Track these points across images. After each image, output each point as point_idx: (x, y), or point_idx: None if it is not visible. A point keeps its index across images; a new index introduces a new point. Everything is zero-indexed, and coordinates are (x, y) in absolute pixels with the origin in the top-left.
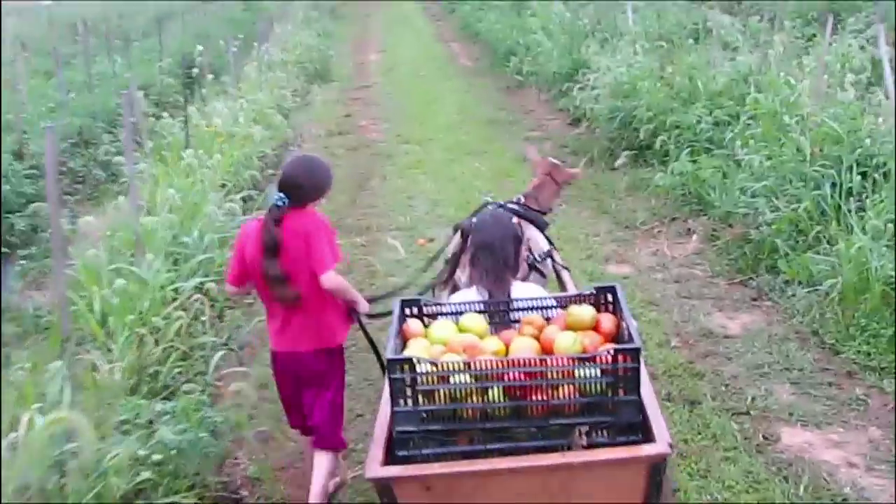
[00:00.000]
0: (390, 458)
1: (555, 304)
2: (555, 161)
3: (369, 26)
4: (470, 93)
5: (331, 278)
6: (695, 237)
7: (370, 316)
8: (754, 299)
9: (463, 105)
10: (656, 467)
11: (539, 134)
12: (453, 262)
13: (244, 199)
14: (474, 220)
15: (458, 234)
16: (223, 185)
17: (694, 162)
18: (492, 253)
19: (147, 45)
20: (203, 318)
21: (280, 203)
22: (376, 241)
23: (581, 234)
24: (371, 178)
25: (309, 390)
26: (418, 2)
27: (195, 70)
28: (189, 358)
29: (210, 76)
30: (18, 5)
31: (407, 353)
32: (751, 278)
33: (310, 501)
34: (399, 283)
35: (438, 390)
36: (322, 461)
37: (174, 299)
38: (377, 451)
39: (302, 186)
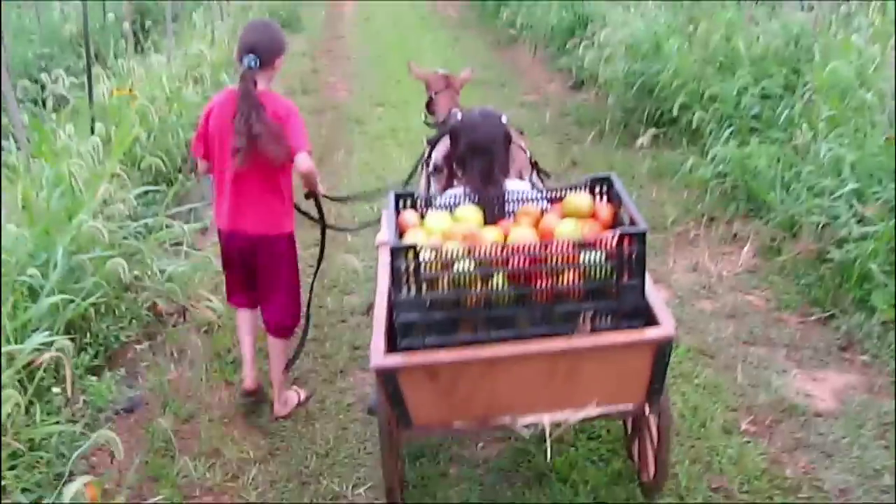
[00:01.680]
0: (392, 349)
1: (548, 198)
2: (444, 72)
3: None
4: (454, 48)
5: (306, 160)
6: (746, 248)
7: (331, 198)
8: (843, 349)
9: (446, 62)
10: (662, 350)
11: (535, 98)
12: (448, 164)
13: (147, 197)
14: (461, 118)
15: (446, 135)
16: (115, 177)
17: (741, 146)
18: (484, 153)
19: None
20: (56, 392)
21: (252, 64)
22: (335, 237)
23: None
24: (335, 150)
25: (262, 278)
26: None
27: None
28: (26, 462)
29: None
30: None
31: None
32: (833, 315)
33: (274, 385)
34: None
35: (441, 277)
36: (278, 344)
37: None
38: (378, 340)
39: (265, 45)
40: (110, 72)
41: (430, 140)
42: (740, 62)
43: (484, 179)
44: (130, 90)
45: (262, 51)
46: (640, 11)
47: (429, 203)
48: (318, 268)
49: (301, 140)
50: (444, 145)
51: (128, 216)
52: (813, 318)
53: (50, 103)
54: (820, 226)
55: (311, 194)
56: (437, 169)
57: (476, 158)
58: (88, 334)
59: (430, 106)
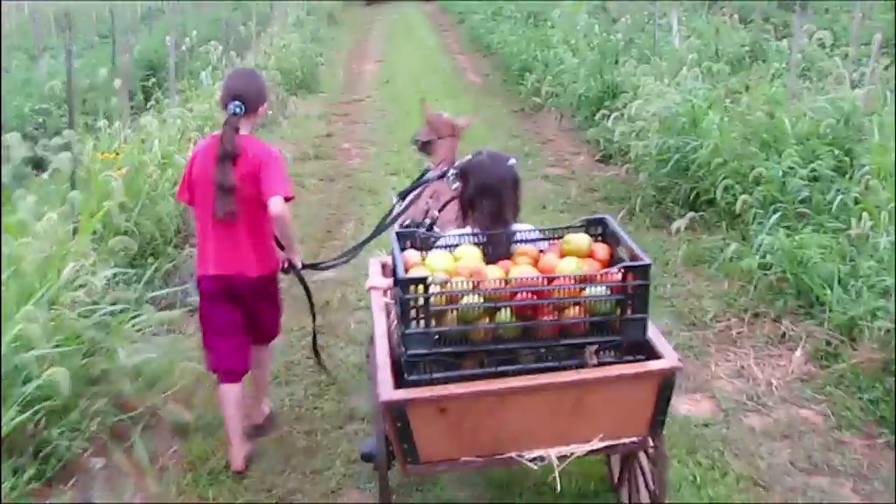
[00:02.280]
0: (399, 383)
1: (548, 238)
2: (451, 119)
3: (370, 34)
4: (478, 114)
5: (279, 204)
6: (798, 351)
7: (312, 266)
8: None
9: (469, 129)
10: (666, 382)
11: (560, 171)
12: (461, 205)
13: (117, 279)
14: (470, 161)
15: (456, 176)
16: (85, 254)
17: (789, 234)
18: (494, 194)
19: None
20: None
21: (237, 110)
22: (334, 326)
23: None
24: (345, 222)
25: (252, 314)
26: (424, 10)
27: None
28: None
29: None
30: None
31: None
32: None
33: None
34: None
35: (449, 311)
36: (265, 350)
37: None
38: (385, 375)
39: (250, 93)
40: (99, 133)
41: (400, 194)
42: (785, 141)
43: (493, 220)
44: (116, 154)
45: (247, 98)
46: (675, 82)
47: (429, 244)
48: (314, 320)
49: (277, 185)
50: (424, 198)
51: (94, 300)
52: (881, 440)
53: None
54: (885, 331)
55: (290, 268)
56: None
57: (486, 199)
58: (31, 448)
59: (427, 147)
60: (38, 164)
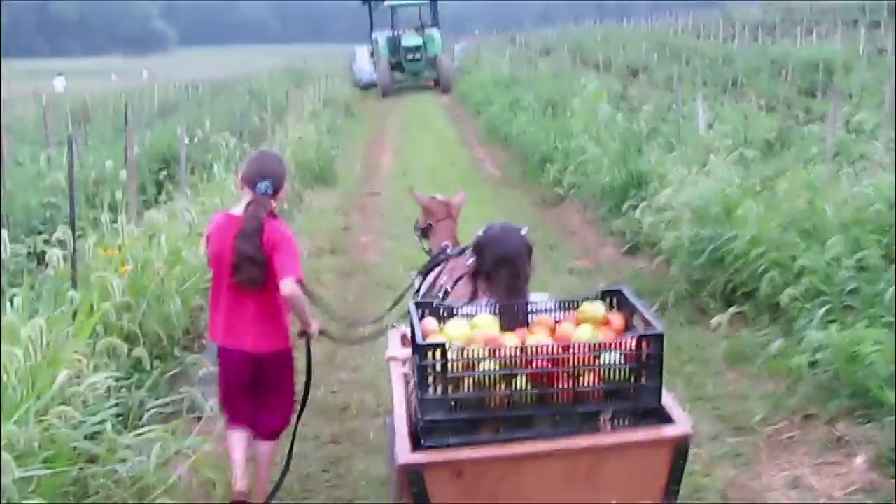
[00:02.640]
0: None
1: (564, 308)
2: (444, 199)
3: (386, 125)
4: (498, 206)
5: (291, 285)
6: (859, 458)
7: (327, 336)
8: None
9: (489, 221)
10: (680, 448)
11: (586, 264)
12: (478, 277)
13: (120, 385)
14: (485, 234)
15: (471, 249)
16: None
17: (840, 328)
18: (509, 266)
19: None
20: None
21: (266, 190)
22: (352, 434)
23: None
24: (361, 321)
25: (263, 389)
26: (440, 102)
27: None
28: None
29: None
30: None
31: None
32: None
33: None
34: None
35: (465, 378)
36: (267, 446)
37: None
38: (403, 440)
39: (278, 175)
40: (105, 228)
41: (420, 271)
42: (828, 229)
43: (509, 291)
44: (119, 249)
45: (276, 179)
46: (704, 170)
47: (448, 313)
48: (304, 402)
49: (290, 266)
50: (434, 274)
51: (91, 409)
52: None
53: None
54: None
55: (304, 333)
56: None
57: (502, 271)
58: None
59: (426, 232)
60: (42, 260)
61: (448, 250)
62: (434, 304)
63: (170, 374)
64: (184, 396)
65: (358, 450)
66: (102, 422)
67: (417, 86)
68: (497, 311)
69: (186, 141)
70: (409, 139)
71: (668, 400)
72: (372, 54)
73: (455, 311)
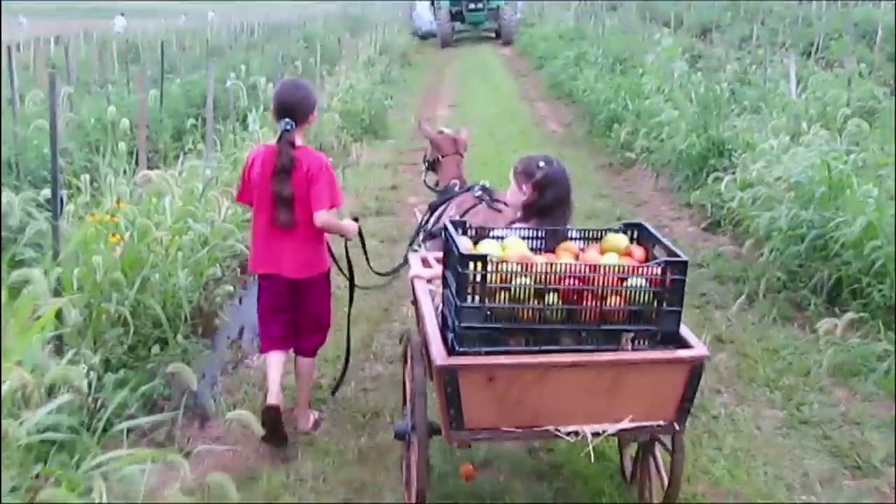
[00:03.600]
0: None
1: (588, 238)
2: (452, 133)
3: (443, 77)
4: None
5: (321, 216)
6: None
7: (378, 273)
8: None
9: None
10: (695, 370)
11: None
12: (530, 208)
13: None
14: (547, 174)
15: (527, 184)
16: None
17: None
18: (566, 206)
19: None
20: None
21: (288, 127)
22: (383, 452)
23: (771, 481)
24: (405, 297)
25: (301, 312)
26: (501, 54)
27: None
28: None
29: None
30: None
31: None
32: None
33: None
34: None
35: (501, 290)
36: (307, 363)
37: None
38: (439, 345)
39: (297, 107)
40: (97, 187)
41: (431, 206)
42: None
43: (561, 224)
44: (111, 216)
45: (296, 112)
46: (802, 142)
47: (478, 235)
48: (350, 309)
49: (323, 198)
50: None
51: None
52: None
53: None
54: None
55: (347, 260)
56: (432, 235)
57: (558, 209)
58: None
59: (433, 166)
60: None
61: (456, 188)
62: (467, 225)
63: (169, 366)
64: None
65: (388, 477)
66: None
67: (478, 36)
68: (543, 234)
69: (215, 86)
70: (467, 91)
71: (685, 329)
72: (432, 3)
73: (487, 234)
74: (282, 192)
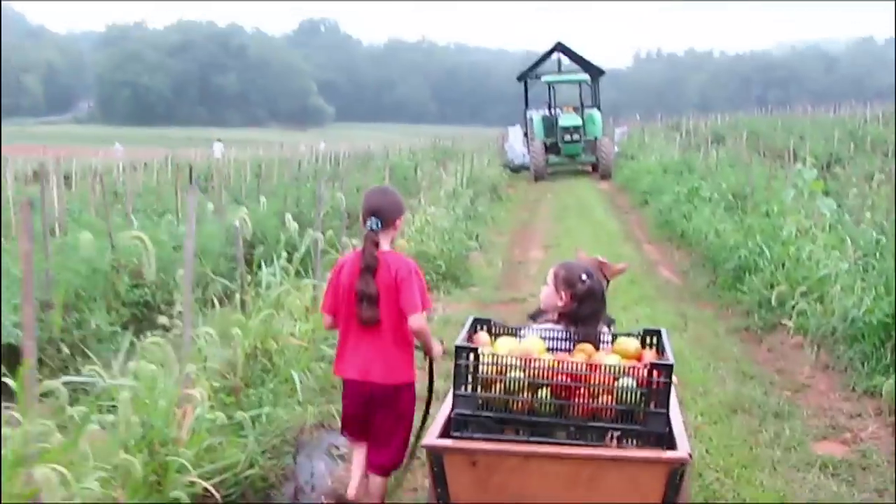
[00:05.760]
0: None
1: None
2: (602, 259)
3: (537, 213)
4: (686, 333)
5: (418, 320)
6: None
7: None
8: None
9: (677, 357)
10: (675, 472)
11: (841, 450)
12: (566, 318)
13: None
14: (587, 286)
15: (567, 292)
16: None
17: None
18: (598, 318)
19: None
20: None
21: (374, 226)
22: None
23: None
24: None
25: (380, 423)
26: (600, 188)
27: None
28: None
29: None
30: None
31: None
32: None
33: None
34: None
35: (496, 381)
36: (377, 482)
37: None
38: (436, 427)
39: (386, 208)
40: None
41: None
42: None
43: (590, 330)
44: None
45: (383, 213)
46: None
47: (502, 332)
48: (424, 417)
49: (415, 300)
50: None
51: None
52: None
53: None
54: None
55: (428, 358)
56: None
57: (592, 319)
58: None
59: None
60: None
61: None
62: (492, 322)
63: None
64: None
65: None
66: None
67: (574, 170)
68: (572, 336)
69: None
70: (563, 230)
71: (679, 429)
72: (525, 134)
73: (511, 331)
74: (365, 290)
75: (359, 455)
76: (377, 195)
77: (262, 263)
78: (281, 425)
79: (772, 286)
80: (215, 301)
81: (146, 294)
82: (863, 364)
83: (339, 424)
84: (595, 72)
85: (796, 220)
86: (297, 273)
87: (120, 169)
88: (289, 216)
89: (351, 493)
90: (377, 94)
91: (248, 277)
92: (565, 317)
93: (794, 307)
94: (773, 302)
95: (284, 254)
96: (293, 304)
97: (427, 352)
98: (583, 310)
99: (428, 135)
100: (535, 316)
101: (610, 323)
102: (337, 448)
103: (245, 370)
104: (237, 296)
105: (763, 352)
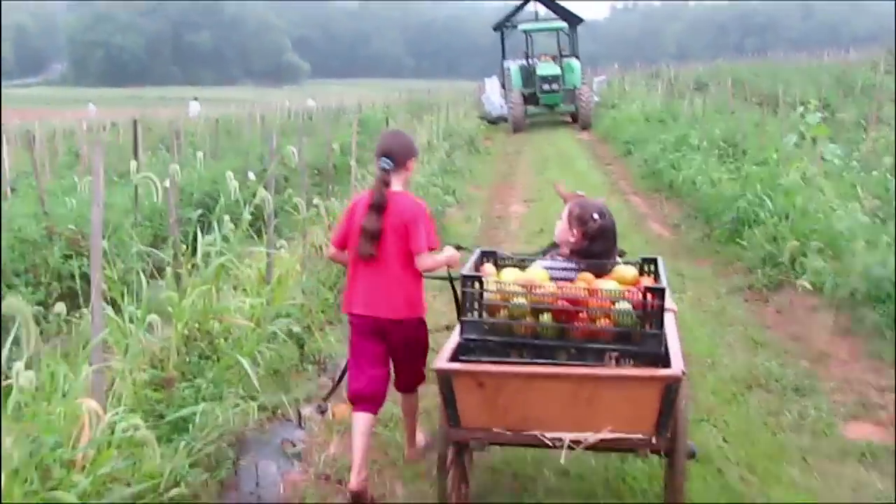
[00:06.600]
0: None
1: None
2: (580, 194)
3: (516, 166)
4: (685, 295)
5: (424, 260)
6: None
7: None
8: None
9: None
10: (669, 388)
11: (873, 431)
12: (576, 252)
13: None
14: (600, 225)
15: (579, 229)
16: None
17: None
18: (609, 256)
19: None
20: None
21: (386, 166)
22: None
23: None
24: None
25: (398, 355)
26: (581, 139)
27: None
28: None
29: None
30: None
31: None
32: None
33: (414, 445)
34: None
35: (500, 308)
36: (408, 398)
37: None
38: (446, 352)
39: (397, 149)
40: None
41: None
42: None
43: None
44: None
45: (395, 154)
46: None
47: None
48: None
49: (421, 241)
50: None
51: None
52: None
53: None
54: None
55: (452, 288)
56: (544, 252)
57: (603, 257)
58: None
59: None
60: None
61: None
62: (498, 255)
63: None
64: None
65: None
66: None
67: (553, 120)
68: (577, 267)
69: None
70: (544, 183)
71: (675, 348)
72: (503, 85)
73: (516, 263)
74: (368, 226)
75: (360, 437)
76: (389, 137)
77: (198, 230)
78: (223, 423)
79: (775, 239)
80: (142, 276)
81: (84, 265)
82: (887, 328)
83: (295, 413)
84: (573, 19)
85: (800, 168)
86: (251, 239)
87: (83, 129)
88: (229, 173)
89: (353, 484)
90: (352, 50)
91: (184, 247)
92: (576, 254)
93: (802, 264)
94: (785, 259)
95: (227, 217)
96: (244, 275)
97: (451, 267)
98: (594, 248)
99: (404, 89)
100: (547, 251)
101: (621, 255)
102: (293, 444)
103: (180, 358)
104: (167, 269)
105: (772, 314)
